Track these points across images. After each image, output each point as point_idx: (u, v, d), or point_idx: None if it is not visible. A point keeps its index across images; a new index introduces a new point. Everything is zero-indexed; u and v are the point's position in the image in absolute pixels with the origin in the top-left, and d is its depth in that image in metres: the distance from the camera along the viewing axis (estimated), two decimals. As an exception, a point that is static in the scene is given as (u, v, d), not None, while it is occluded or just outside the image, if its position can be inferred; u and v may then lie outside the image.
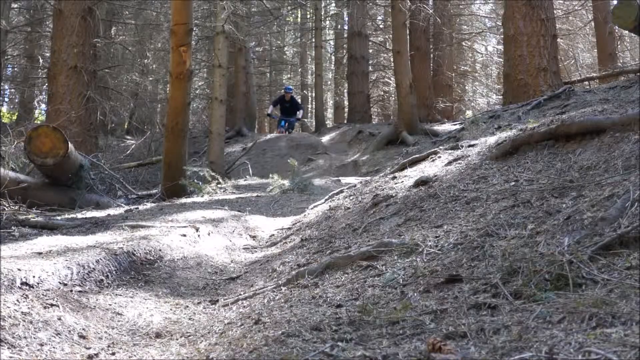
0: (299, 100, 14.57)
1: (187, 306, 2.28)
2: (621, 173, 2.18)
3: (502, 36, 10.30)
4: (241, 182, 7.60)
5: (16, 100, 18.89)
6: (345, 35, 16.93)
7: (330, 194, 4.53)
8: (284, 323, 1.68)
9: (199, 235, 3.44)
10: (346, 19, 17.63)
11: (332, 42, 21.57)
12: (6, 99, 19.41)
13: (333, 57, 21.68)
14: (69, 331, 1.80)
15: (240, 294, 2.35)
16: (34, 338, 1.67)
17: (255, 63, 19.08)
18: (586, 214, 1.88)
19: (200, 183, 6.47)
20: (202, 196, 6.09)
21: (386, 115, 19.05)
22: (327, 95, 22.45)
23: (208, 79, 16.06)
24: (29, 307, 1.83)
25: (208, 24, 12.70)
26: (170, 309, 2.24)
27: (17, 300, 1.85)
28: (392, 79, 15.94)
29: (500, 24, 11.02)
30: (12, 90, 18.50)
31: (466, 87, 18.34)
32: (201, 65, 16.22)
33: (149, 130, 13.58)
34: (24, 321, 1.73)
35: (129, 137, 14.56)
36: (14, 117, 16.00)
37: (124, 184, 7.25)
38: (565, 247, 1.66)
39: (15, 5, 14.05)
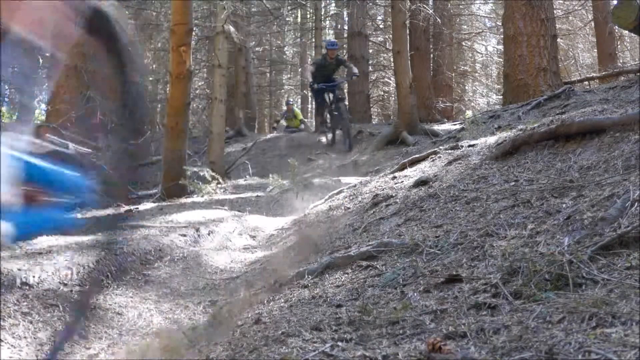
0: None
1: (187, 306, 2.28)
2: (621, 173, 2.18)
3: (502, 36, 10.30)
4: (241, 182, 7.59)
5: (16, 101, 18.87)
6: (345, 35, 16.92)
7: (330, 194, 4.53)
8: (284, 323, 1.68)
9: (199, 235, 3.44)
10: (346, 19, 17.62)
11: (332, 42, 21.55)
12: (6, 99, 19.40)
13: (333, 57, 21.63)
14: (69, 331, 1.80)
15: (241, 294, 2.35)
16: (34, 338, 1.67)
17: (255, 63, 19.08)
18: (586, 214, 1.88)
19: (200, 183, 6.47)
20: (202, 196, 6.09)
21: (386, 115, 19.04)
22: (327, 95, 22.40)
23: (208, 79, 16.07)
24: (29, 307, 1.83)
25: (208, 24, 12.70)
26: (170, 309, 2.23)
27: (17, 300, 1.85)
28: (392, 79, 15.94)
29: (500, 24, 11.02)
30: (12, 90, 18.50)
31: (466, 87, 18.33)
32: (201, 65, 16.22)
33: (149, 130, 13.57)
34: (24, 321, 1.73)
35: (129, 137, 14.53)
36: (14, 117, 15.99)
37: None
38: (565, 247, 1.66)
39: (15, 5, 14.04)
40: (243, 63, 14.94)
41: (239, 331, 1.74)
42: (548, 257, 1.62)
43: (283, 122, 14.45)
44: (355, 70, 9.73)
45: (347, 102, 9.69)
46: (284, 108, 15.32)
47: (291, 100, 16.08)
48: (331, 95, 9.45)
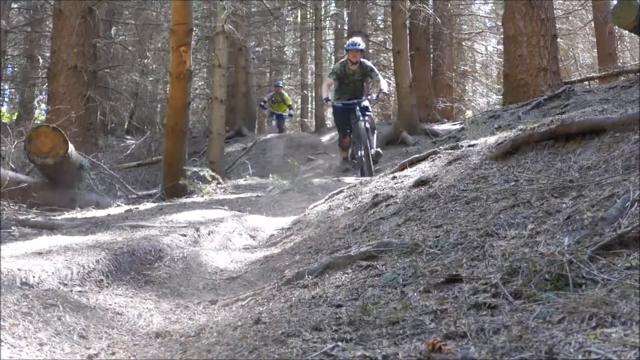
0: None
1: (187, 306, 2.28)
2: (621, 173, 2.18)
3: (502, 36, 10.31)
4: (241, 182, 7.60)
5: (16, 100, 18.88)
6: (345, 35, 16.92)
7: (330, 194, 4.53)
8: (284, 323, 1.68)
9: (199, 235, 3.44)
10: (346, 19, 17.63)
11: (332, 42, 21.57)
12: (6, 99, 19.41)
13: (333, 57, 21.68)
14: (69, 331, 1.80)
15: (240, 294, 2.35)
16: (34, 338, 1.67)
17: (255, 63, 19.09)
18: (586, 214, 1.88)
19: (200, 183, 6.48)
20: (202, 196, 6.09)
21: (386, 115, 19.05)
22: (327, 95, 22.36)
23: (208, 79, 16.08)
24: (29, 307, 1.83)
25: (208, 24, 12.71)
26: (170, 309, 2.24)
27: (17, 300, 1.85)
28: (392, 79, 15.94)
29: (500, 24, 11.02)
30: (12, 90, 18.50)
31: (466, 87, 18.34)
32: (201, 65, 16.23)
33: (149, 130, 13.58)
34: (24, 321, 1.73)
35: (129, 137, 14.55)
36: (14, 117, 16.00)
37: (124, 184, 7.26)
38: (565, 247, 1.66)
39: (15, 5, 14.06)
40: (243, 63, 14.95)
41: (239, 331, 1.74)
42: (548, 257, 1.62)
43: (270, 106, 13.87)
44: (385, 86, 7.08)
45: (368, 125, 6.77)
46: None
47: (280, 82, 15.36)
48: (353, 115, 6.86)
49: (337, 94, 7.05)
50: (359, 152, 6.73)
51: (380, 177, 4.22)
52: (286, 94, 14.52)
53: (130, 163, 10.64)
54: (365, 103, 6.92)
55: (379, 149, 7.13)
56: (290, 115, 14.62)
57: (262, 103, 14.42)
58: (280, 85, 14.53)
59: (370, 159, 6.56)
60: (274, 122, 14.02)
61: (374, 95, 7.25)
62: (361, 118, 6.74)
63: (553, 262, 1.57)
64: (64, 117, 8.16)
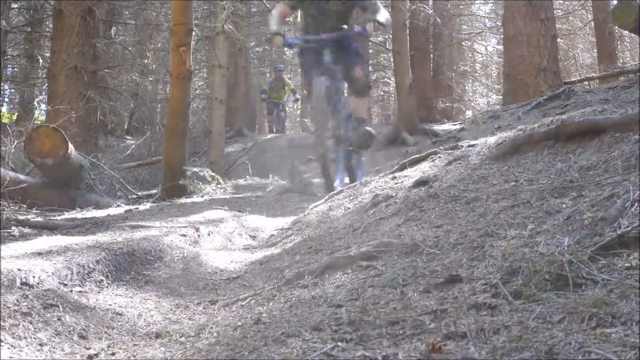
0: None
1: (187, 306, 2.28)
2: (621, 173, 2.18)
3: (502, 36, 10.31)
4: (241, 182, 7.60)
5: (16, 100, 18.86)
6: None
7: (330, 194, 4.53)
8: (283, 323, 1.68)
9: (199, 235, 3.44)
10: (346, 19, 17.60)
11: (332, 42, 21.54)
12: (6, 99, 19.39)
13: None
14: (69, 331, 1.80)
15: (240, 294, 2.35)
16: (34, 338, 1.67)
17: (255, 63, 19.09)
18: (586, 214, 1.88)
19: (200, 183, 6.48)
20: (202, 196, 6.09)
21: (386, 115, 19.04)
22: (327, 95, 22.32)
23: (208, 79, 16.07)
24: (29, 307, 1.83)
25: (208, 24, 12.71)
26: (170, 309, 2.23)
27: (17, 300, 1.85)
28: (392, 79, 15.93)
29: (500, 24, 11.02)
30: (12, 90, 18.48)
31: (466, 87, 18.34)
32: (201, 65, 16.23)
33: (149, 130, 13.58)
34: (24, 321, 1.73)
35: (129, 137, 14.55)
36: (14, 117, 15.99)
37: (124, 184, 7.26)
38: (565, 247, 1.66)
39: (15, 5, 14.05)
40: (243, 63, 14.96)
41: (239, 331, 1.74)
42: (548, 257, 1.62)
43: (269, 94, 13.41)
44: (382, 16, 4.29)
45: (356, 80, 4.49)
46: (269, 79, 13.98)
47: (281, 65, 14.87)
48: (327, 59, 4.25)
49: (304, 32, 4.48)
50: (329, 141, 4.09)
51: (380, 177, 4.22)
52: (287, 80, 14.11)
53: (130, 163, 10.63)
54: (347, 41, 4.22)
55: (368, 128, 4.68)
56: (296, 100, 14.10)
57: (262, 95, 14.02)
58: (281, 69, 14.11)
59: (350, 151, 4.30)
60: (274, 127, 13.94)
61: (361, 27, 4.41)
62: (331, 66, 4.08)
63: (553, 262, 1.57)
64: (64, 117, 8.14)
